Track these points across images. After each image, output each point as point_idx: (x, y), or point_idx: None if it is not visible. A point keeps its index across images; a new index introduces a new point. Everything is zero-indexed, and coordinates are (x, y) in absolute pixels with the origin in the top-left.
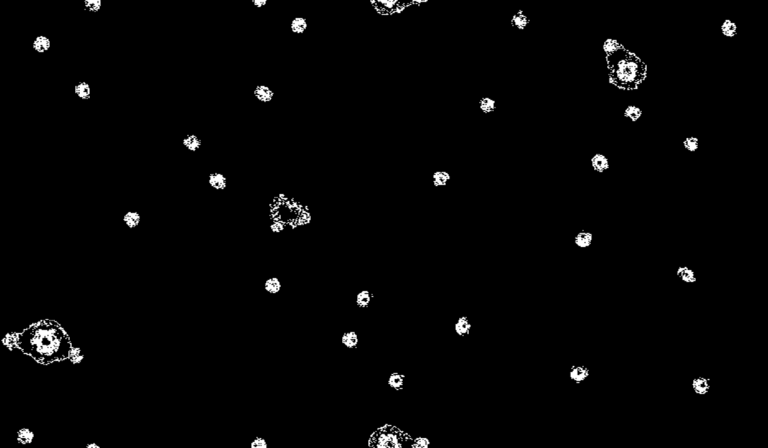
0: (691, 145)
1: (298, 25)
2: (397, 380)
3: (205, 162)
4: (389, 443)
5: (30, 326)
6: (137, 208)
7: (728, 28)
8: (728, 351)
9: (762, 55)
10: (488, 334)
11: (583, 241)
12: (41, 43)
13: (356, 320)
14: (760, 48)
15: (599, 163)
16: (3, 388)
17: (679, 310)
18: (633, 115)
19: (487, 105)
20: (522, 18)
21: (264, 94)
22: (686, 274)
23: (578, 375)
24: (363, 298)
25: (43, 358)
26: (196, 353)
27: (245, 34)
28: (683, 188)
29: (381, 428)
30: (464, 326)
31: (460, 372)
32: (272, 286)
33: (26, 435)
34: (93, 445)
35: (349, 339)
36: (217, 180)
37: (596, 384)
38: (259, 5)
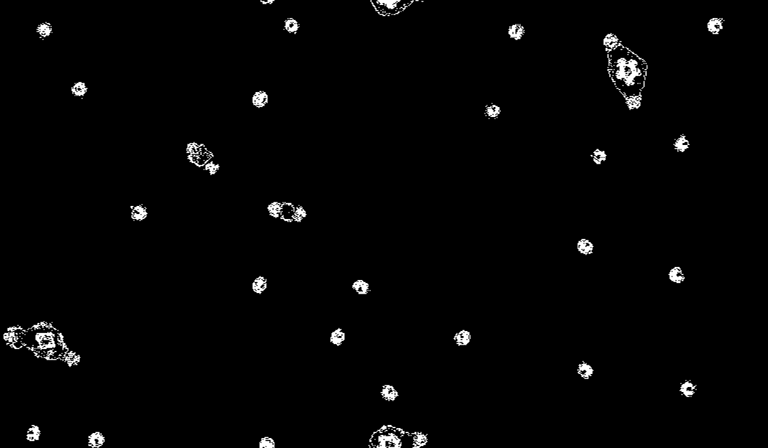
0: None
1: (289, 24)
2: (391, 391)
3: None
4: (389, 444)
5: (28, 328)
6: (129, 206)
7: (713, 26)
8: (731, 353)
9: (754, 53)
10: (485, 335)
11: (585, 245)
12: (44, 30)
13: (352, 322)
14: (754, 46)
15: (598, 157)
16: (7, 384)
17: (681, 313)
18: (633, 104)
19: (489, 108)
20: (518, 28)
21: (261, 98)
22: (680, 275)
23: (583, 373)
24: (359, 288)
25: (39, 353)
26: (195, 353)
27: (245, 36)
28: (688, 190)
29: (379, 429)
30: (463, 335)
31: (457, 376)
32: (261, 286)
33: (34, 431)
34: (96, 434)
35: (335, 336)
36: (213, 167)
37: (597, 387)
38: (265, 3)
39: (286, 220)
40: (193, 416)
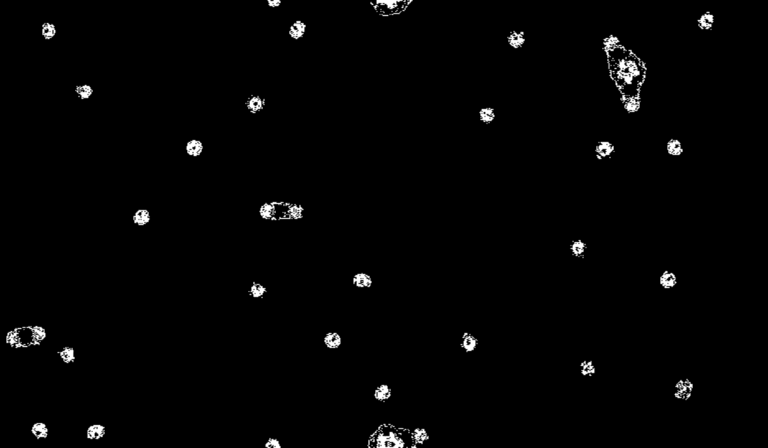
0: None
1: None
2: (387, 394)
3: (204, 165)
4: (389, 443)
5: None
6: (129, 209)
7: (704, 21)
8: (726, 354)
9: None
10: (482, 336)
11: (580, 247)
12: (48, 30)
13: (349, 324)
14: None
15: (603, 150)
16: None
17: (677, 315)
18: (632, 105)
19: (484, 114)
20: (517, 37)
21: (258, 99)
22: (671, 279)
23: (585, 371)
24: (360, 280)
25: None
26: (194, 356)
27: (246, 37)
28: (682, 193)
29: (377, 429)
30: (469, 341)
31: (452, 375)
32: (257, 288)
33: (40, 429)
34: (97, 426)
35: (331, 340)
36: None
37: (596, 389)
38: (273, 4)
39: (281, 218)
40: (190, 419)
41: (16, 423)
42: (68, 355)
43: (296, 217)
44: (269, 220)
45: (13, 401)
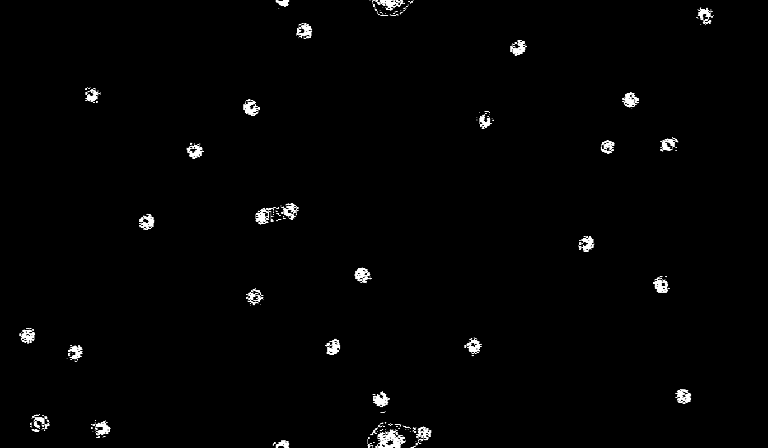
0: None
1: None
2: (382, 397)
3: (205, 168)
4: (390, 441)
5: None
6: (131, 211)
7: (702, 16)
8: (726, 357)
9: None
10: (481, 337)
11: (585, 244)
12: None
13: (347, 327)
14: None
15: (607, 147)
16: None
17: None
18: (632, 99)
19: (481, 117)
20: (519, 45)
21: (255, 101)
22: (663, 284)
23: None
24: (360, 277)
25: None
26: (194, 359)
27: (247, 39)
28: (678, 193)
29: (377, 427)
30: (473, 344)
31: (450, 375)
32: (255, 298)
33: (41, 421)
34: (102, 423)
35: (329, 346)
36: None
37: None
38: (283, 4)
39: (277, 220)
40: (189, 423)
41: (20, 421)
42: (75, 353)
43: (291, 218)
44: (268, 223)
45: (18, 399)
